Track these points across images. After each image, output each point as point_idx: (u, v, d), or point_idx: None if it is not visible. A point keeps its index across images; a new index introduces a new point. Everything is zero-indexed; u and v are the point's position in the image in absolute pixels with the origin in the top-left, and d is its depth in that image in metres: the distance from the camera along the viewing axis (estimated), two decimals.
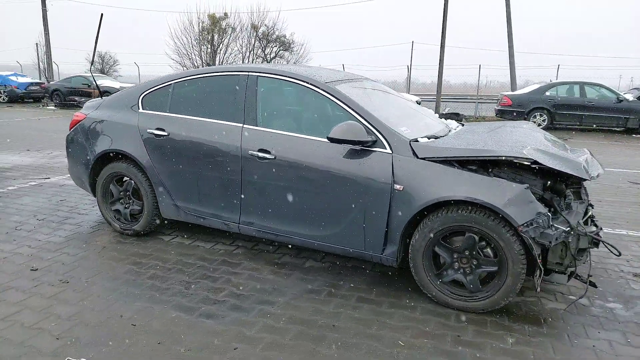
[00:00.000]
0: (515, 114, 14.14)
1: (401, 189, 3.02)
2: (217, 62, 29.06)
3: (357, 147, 3.15)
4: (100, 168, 4.22)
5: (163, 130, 3.83)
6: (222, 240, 4.14)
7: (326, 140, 3.19)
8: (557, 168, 2.84)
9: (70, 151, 4.39)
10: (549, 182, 3.05)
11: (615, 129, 13.95)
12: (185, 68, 28.89)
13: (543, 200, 3.01)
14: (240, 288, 3.25)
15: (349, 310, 2.99)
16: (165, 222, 4.17)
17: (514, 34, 20.48)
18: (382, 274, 3.54)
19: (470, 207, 2.87)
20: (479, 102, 20.44)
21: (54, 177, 6.40)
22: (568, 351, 2.59)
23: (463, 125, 4.22)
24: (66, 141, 4.43)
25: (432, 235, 2.97)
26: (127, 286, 3.24)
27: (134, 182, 4.05)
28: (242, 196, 3.57)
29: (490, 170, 3.01)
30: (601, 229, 3.17)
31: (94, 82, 5.11)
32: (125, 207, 4.19)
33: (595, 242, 3.02)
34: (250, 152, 3.47)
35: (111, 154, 4.14)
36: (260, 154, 3.43)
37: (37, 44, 33.05)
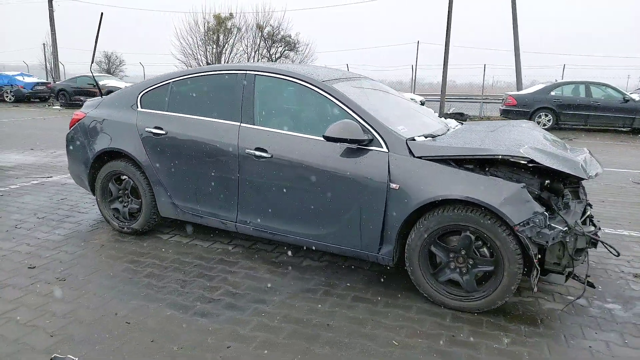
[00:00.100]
0: (520, 114, 14.06)
1: (397, 188, 3.01)
2: (222, 62, 29.13)
3: (354, 146, 3.14)
4: (99, 167, 4.23)
5: (161, 129, 3.84)
6: (220, 239, 4.14)
7: (323, 139, 3.18)
8: (554, 167, 2.81)
9: (70, 150, 4.41)
10: (547, 182, 3.03)
11: (621, 129, 13.85)
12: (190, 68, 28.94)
13: (541, 200, 2.98)
14: (236, 287, 3.25)
15: (344, 310, 2.98)
16: (165, 220, 4.18)
17: (520, 33, 20.37)
18: (379, 274, 3.52)
19: (466, 207, 2.85)
20: (484, 102, 20.35)
21: (56, 176, 6.43)
22: (564, 352, 2.56)
23: (462, 124, 4.20)
24: (66, 140, 4.45)
25: (428, 234, 2.96)
26: (124, 284, 3.24)
27: (133, 181, 4.06)
28: (239, 195, 3.57)
29: (487, 169, 2.98)
30: (600, 228, 3.14)
31: (94, 82, 5.12)
32: (124, 206, 4.20)
33: (594, 242, 2.99)
34: (247, 150, 3.47)
35: (110, 153, 4.15)
36: (257, 153, 3.42)
37: (44, 44, 33.28)
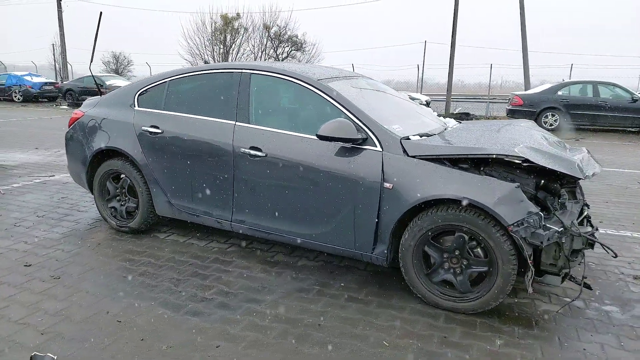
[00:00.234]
0: (526, 114, 13.94)
1: (391, 188, 2.98)
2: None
3: (348, 145, 3.12)
4: (97, 165, 4.24)
5: (157, 127, 3.84)
6: (216, 238, 4.13)
7: (316, 137, 3.16)
8: (549, 166, 2.77)
9: (69, 148, 4.43)
10: (543, 181, 2.99)
11: (630, 129, 13.67)
12: None
13: (537, 200, 2.94)
14: (230, 286, 3.24)
15: (336, 310, 2.95)
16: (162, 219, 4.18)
17: (528, 32, 20.20)
18: (374, 274, 3.49)
19: (460, 206, 2.82)
20: (491, 102, 20.22)
21: (58, 175, 6.47)
22: (557, 354, 2.52)
23: (460, 123, 4.16)
24: (65, 139, 4.47)
25: (421, 234, 2.93)
26: (117, 283, 3.25)
27: (130, 180, 4.06)
28: (234, 194, 3.56)
29: (482, 168, 2.95)
30: (597, 229, 3.09)
31: (94, 81, 5.16)
32: (122, 205, 4.21)
33: (591, 243, 2.94)
34: (241, 149, 3.45)
35: (108, 151, 4.15)
36: (252, 152, 3.41)
37: (53, 44, 33.57)
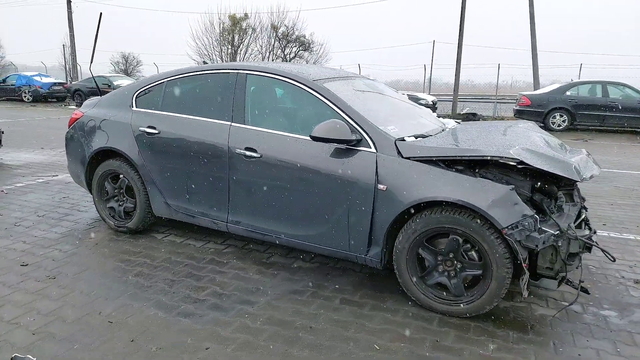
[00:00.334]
0: (534, 114, 13.81)
1: (385, 189, 2.95)
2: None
3: (342, 146, 3.09)
4: (96, 165, 4.26)
5: (154, 128, 3.84)
6: (213, 239, 4.13)
7: (311, 139, 3.14)
8: (544, 168, 2.73)
9: (69, 149, 4.45)
10: (539, 184, 2.94)
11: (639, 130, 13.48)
12: None
13: (533, 203, 2.90)
14: (224, 287, 3.23)
15: (329, 312, 2.93)
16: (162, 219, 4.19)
17: (538, 31, 20.00)
18: (370, 276, 3.47)
19: (454, 209, 2.79)
20: (499, 102, 20.06)
21: (62, 175, 6.51)
22: (551, 359, 2.48)
23: (459, 123, 4.11)
24: (65, 139, 4.49)
25: (415, 236, 2.89)
26: (112, 283, 3.25)
27: (128, 180, 4.07)
28: (230, 195, 3.55)
29: (477, 170, 2.91)
30: (595, 232, 3.04)
31: (94, 82, 5.21)
32: (120, 205, 4.22)
33: (588, 247, 2.89)
34: (237, 150, 3.44)
35: (106, 152, 4.17)
36: (247, 153, 3.40)
37: (63, 45, 33.88)
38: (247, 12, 30.26)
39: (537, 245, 2.63)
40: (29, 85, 21.42)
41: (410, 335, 2.69)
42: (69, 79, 28.68)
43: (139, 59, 37.91)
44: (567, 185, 3.15)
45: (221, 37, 29.87)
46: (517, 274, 2.76)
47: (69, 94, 21.08)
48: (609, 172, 7.54)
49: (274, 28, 29.97)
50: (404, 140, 3.08)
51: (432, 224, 2.83)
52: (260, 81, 3.58)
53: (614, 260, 2.94)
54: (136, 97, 4.07)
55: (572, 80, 15.29)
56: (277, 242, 3.47)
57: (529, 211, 2.64)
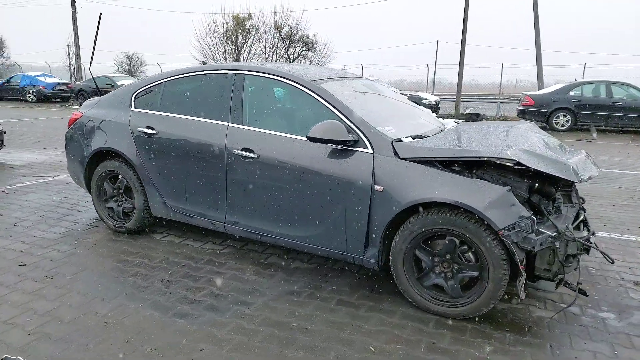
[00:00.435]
0: (537, 114, 13.75)
1: (381, 190, 2.94)
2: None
3: (340, 147, 3.08)
4: (95, 166, 4.27)
5: (152, 128, 3.84)
6: (212, 239, 4.12)
7: (307, 139, 3.13)
8: (541, 169, 2.71)
9: (68, 149, 4.47)
10: (537, 185, 2.92)
11: None
12: None
13: (531, 204, 2.88)
14: (221, 288, 3.22)
15: (325, 313, 2.92)
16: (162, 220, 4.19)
17: (542, 31, 19.91)
18: (367, 277, 3.46)
19: (450, 210, 2.77)
20: (503, 102, 19.96)
21: (63, 175, 6.53)
22: None
23: (458, 124, 4.09)
24: (65, 139, 4.50)
25: (412, 237, 2.88)
26: (109, 283, 3.25)
27: (126, 180, 4.08)
28: (228, 195, 3.55)
29: (474, 171, 2.89)
30: (593, 233, 3.02)
31: (94, 82, 5.25)
32: (118, 205, 4.23)
33: (586, 248, 2.87)
34: (234, 151, 3.44)
35: (105, 152, 4.17)
36: (244, 153, 3.39)
37: (68, 45, 34.02)
38: (250, 12, 30.33)
39: (534, 247, 2.61)
40: (33, 85, 21.53)
41: (407, 336, 2.67)
42: (73, 79, 28.77)
43: (142, 59, 38.01)
44: (565, 187, 3.13)
45: (225, 37, 29.90)
46: (515, 276, 2.74)
47: (72, 94, 21.17)
48: (612, 172, 7.50)
49: (278, 28, 29.97)
50: (401, 140, 3.07)
51: (429, 225, 2.82)
52: (258, 81, 3.57)
53: (613, 262, 2.92)
54: (135, 98, 4.07)
55: (575, 80, 15.21)
56: (275, 243, 3.47)
57: (525, 212, 2.63)
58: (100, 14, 4.57)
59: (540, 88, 19.29)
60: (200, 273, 3.45)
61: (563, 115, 13.52)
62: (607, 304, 3.12)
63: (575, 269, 2.86)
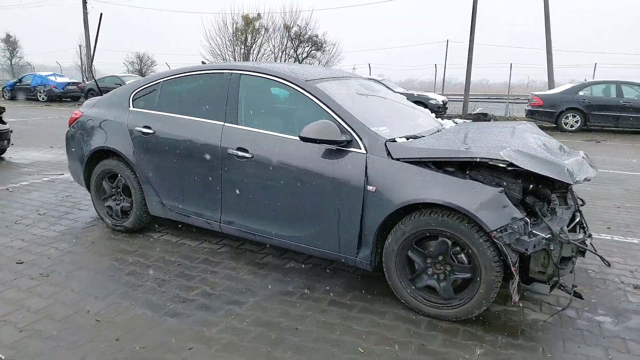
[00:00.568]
0: (546, 114, 13.60)
1: (374, 191, 2.92)
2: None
3: (333, 147, 3.07)
4: (94, 165, 4.29)
5: (149, 128, 3.86)
6: (209, 238, 4.13)
7: (300, 139, 3.11)
8: (535, 171, 2.67)
9: (69, 148, 4.50)
10: (532, 186, 2.88)
11: None
12: None
13: (525, 205, 2.84)
14: (214, 287, 3.23)
15: (316, 314, 2.91)
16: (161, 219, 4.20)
17: (553, 31, 19.69)
18: (361, 278, 3.44)
19: (443, 211, 2.74)
20: (514, 103, 19.77)
21: (67, 174, 6.58)
22: None
23: (456, 124, 4.06)
24: (65, 138, 4.54)
25: (404, 238, 2.86)
26: (104, 281, 3.27)
27: (124, 179, 4.10)
28: (223, 195, 3.55)
29: (467, 172, 2.86)
30: (590, 236, 2.97)
31: (94, 82, 5.30)
32: (117, 204, 4.25)
33: (582, 251, 2.83)
34: (229, 150, 3.44)
35: (104, 151, 4.20)
36: (239, 153, 3.39)
37: (79, 45, 34.41)
38: (260, 12, 30.35)
39: (527, 249, 2.57)
40: (44, 85, 21.78)
41: (397, 338, 2.65)
42: (84, 78, 29.07)
43: (153, 59, 38.29)
44: (561, 188, 3.08)
45: (234, 37, 29.97)
46: (508, 278, 2.71)
47: (82, 94, 21.37)
48: (619, 174, 7.39)
49: (287, 28, 29.97)
50: (395, 141, 3.04)
51: (421, 226, 2.79)
52: (254, 81, 3.57)
53: (609, 265, 2.87)
54: (133, 97, 4.09)
55: (585, 80, 15.02)
56: (269, 242, 3.46)
57: (518, 214, 2.59)
58: (101, 14, 4.60)
59: (551, 88, 19.08)
60: (194, 272, 3.46)
61: (572, 115, 13.35)
62: (604, 307, 3.07)
63: (570, 272, 2.82)
